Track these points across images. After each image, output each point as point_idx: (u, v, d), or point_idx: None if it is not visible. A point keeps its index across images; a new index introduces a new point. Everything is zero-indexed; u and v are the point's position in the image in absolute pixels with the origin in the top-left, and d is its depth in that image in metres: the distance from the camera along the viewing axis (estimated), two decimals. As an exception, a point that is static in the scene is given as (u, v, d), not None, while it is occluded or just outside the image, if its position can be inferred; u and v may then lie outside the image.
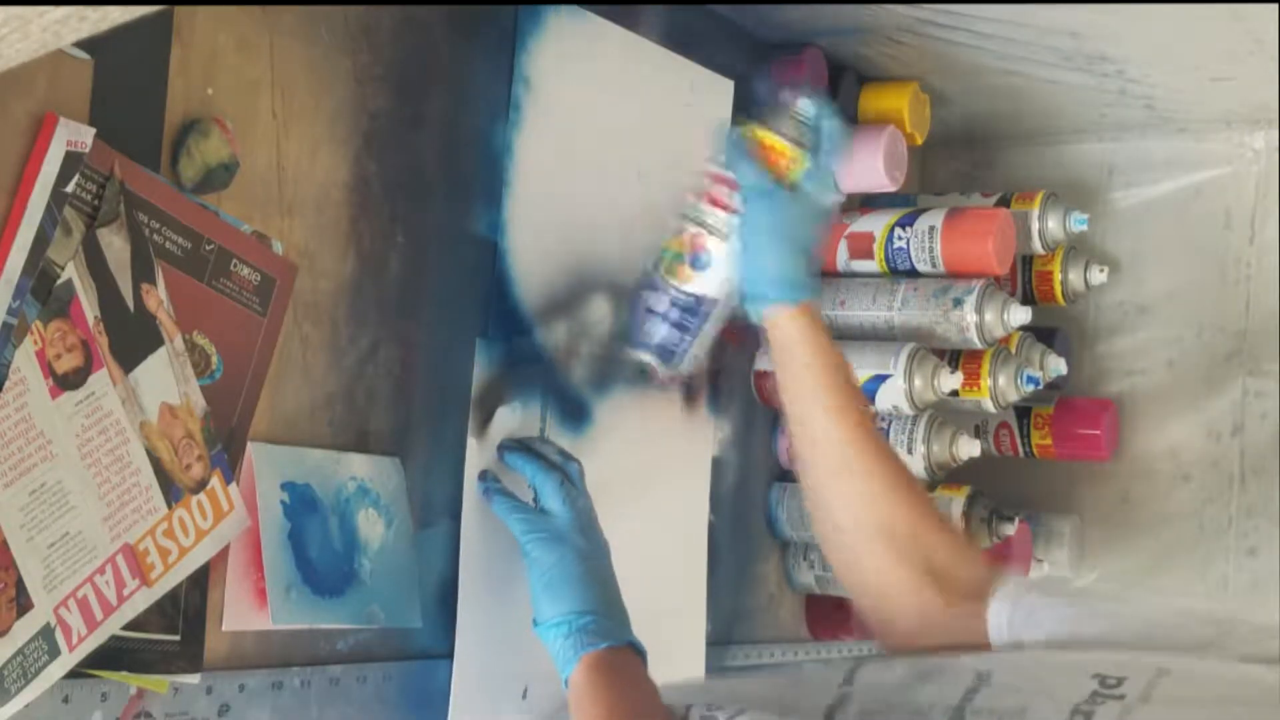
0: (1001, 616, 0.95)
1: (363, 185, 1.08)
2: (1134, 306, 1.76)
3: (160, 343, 0.92)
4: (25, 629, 0.83)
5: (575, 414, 1.26)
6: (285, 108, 1.02)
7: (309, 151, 1.04)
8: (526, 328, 1.22)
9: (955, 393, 1.49)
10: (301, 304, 1.03)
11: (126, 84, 0.91)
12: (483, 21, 1.18)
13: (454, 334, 1.16)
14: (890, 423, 1.52)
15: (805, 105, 1.16)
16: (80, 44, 0.84)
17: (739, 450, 1.49)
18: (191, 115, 0.95)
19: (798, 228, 1.14)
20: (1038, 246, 1.64)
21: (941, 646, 0.98)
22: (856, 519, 1.06)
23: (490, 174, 1.19)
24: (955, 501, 1.57)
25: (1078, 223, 1.63)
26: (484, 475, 1.16)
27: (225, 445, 0.97)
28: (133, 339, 0.90)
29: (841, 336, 1.56)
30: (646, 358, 1.24)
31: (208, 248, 0.96)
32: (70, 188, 0.86)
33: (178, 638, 0.94)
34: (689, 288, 1.19)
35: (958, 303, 1.50)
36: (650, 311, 1.21)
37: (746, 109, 1.17)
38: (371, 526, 1.07)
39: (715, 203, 1.17)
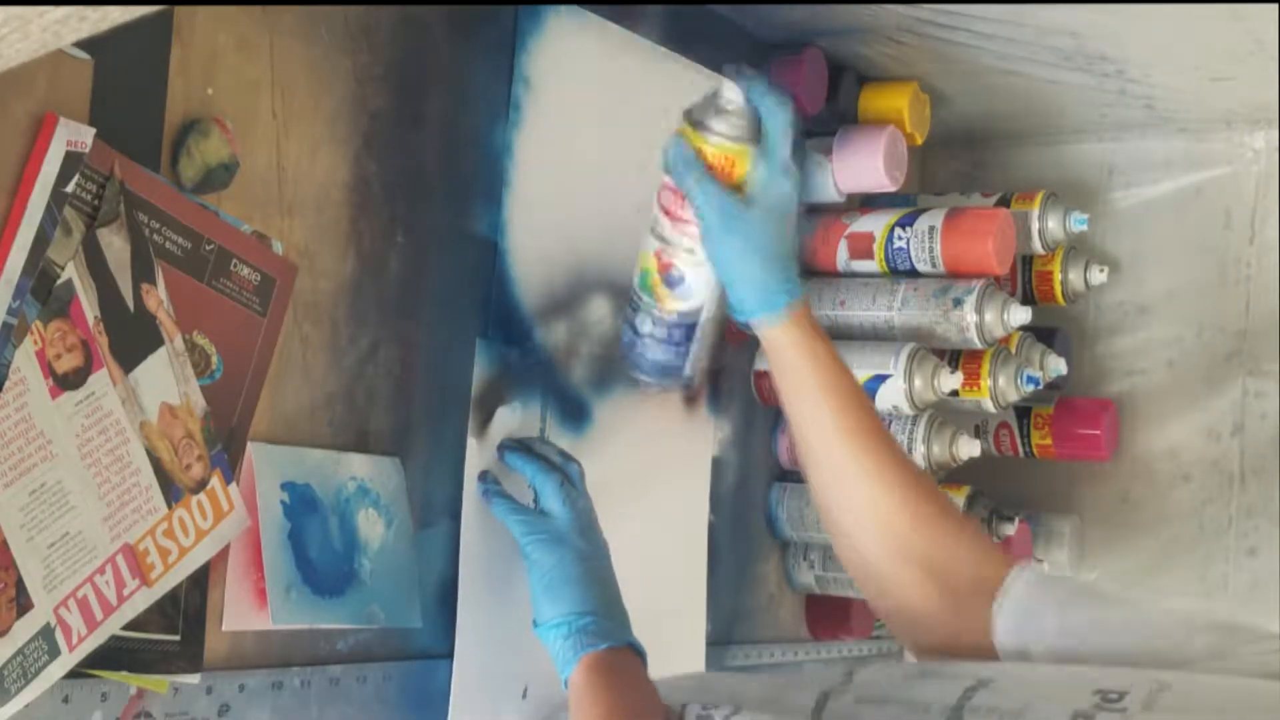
0: (1006, 618, 0.95)
1: (363, 185, 1.08)
2: (1134, 306, 1.76)
3: (160, 343, 0.92)
4: (25, 629, 0.83)
5: (575, 414, 1.26)
6: (285, 108, 1.02)
7: (309, 151, 1.04)
8: (526, 328, 1.22)
9: (955, 393, 1.49)
10: (301, 304, 1.03)
11: (126, 84, 0.91)
12: (483, 21, 1.18)
13: (454, 334, 1.16)
14: (890, 423, 1.52)
15: (729, 95, 1.07)
16: (80, 44, 0.84)
17: (739, 450, 1.49)
18: (191, 115, 0.95)
19: (758, 234, 1.07)
20: (1038, 246, 1.64)
21: (946, 644, 0.98)
22: (859, 520, 1.06)
23: (490, 174, 1.19)
24: (955, 502, 1.57)
25: (1078, 223, 1.63)
26: (484, 476, 1.16)
27: (225, 445, 0.97)
28: (133, 339, 0.90)
29: (841, 336, 1.56)
30: (650, 381, 1.20)
31: (208, 248, 0.96)
32: (70, 188, 0.86)
33: (178, 638, 0.94)
34: (670, 305, 1.13)
35: (958, 303, 1.50)
36: (641, 335, 1.16)
37: (690, 118, 1.08)
38: (371, 526, 1.07)
39: (672, 216, 1.10)
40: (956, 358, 1.55)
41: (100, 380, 0.88)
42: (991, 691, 0.83)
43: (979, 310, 1.49)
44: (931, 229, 1.54)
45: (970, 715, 0.81)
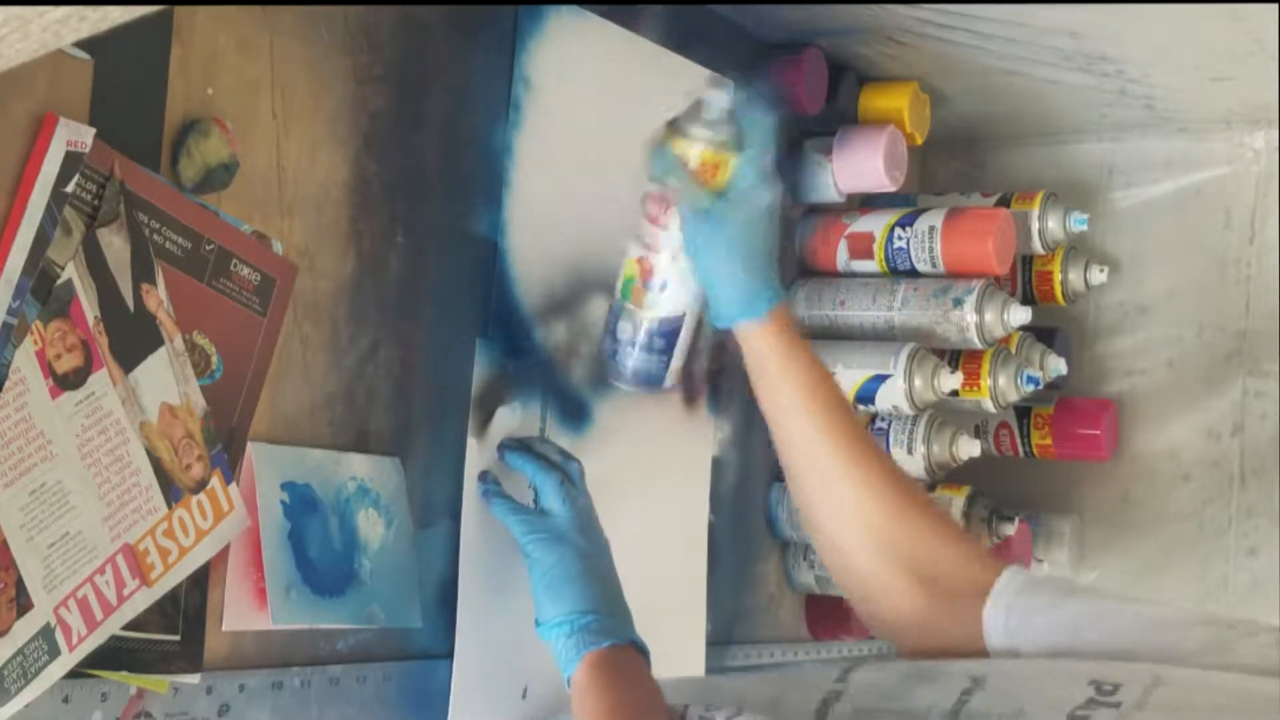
0: (997, 620, 0.95)
1: (363, 185, 1.08)
2: (1134, 306, 1.76)
3: (160, 343, 0.92)
4: (25, 629, 0.83)
5: (575, 414, 1.26)
6: (285, 108, 1.02)
7: (309, 151, 1.04)
8: (526, 328, 1.22)
9: (955, 393, 1.49)
10: (301, 304, 1.03)
11: (126, 84, 0.91)
12: (483, 21, 1.18)
13: (454, 334, 1.16)
14: (890, 423, 1.52)
15: (714, 102, 1.09)
16: (80, 44, 0.84)
17: (739, 450, 1.49)
18: (191, 115, 0.95)
19: (739, 238, 1.08)
20: (1038, 246, 1.64)
21: (936, 647, 0.98)
22: (841, 524, 1.05)
23: (490, 174, 1.19)
24: (955, 501, 1.57)
25: (1078, 223, 1.63)
26: (484, 476, 1.16)
27: (225, 445, 0.97)
28: (133, 339, 0.90)
29: (841, 336, 1.56)
30: (626, 388, 1.22)
31: (208, 248, 0.96)
32: (70, 188, 0.86)
33: (178, 638, 0.94)
34: (652, 312, 1.15)
35: (958, 303, 1.50)
36: (620, 342, 1.18)
37: (676, 125, 1.10)
38: (371, 526, 1.07)
39: (656, 222, 1.13)
40: (956, 358, 1.55)
41: (100, 380, 0.88)
42: (986, 693, 0.83)
43: (979, 310, 1.49)
44: (931, 229, 1.54)
45: (967, 718, 0.81)
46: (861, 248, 1.57)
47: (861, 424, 1.08)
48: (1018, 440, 1.71)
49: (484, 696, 1.15)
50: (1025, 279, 1.69)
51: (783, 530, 1.56)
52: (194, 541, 0.94)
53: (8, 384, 0.83)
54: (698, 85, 1.13)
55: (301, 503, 1.02)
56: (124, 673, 0.90)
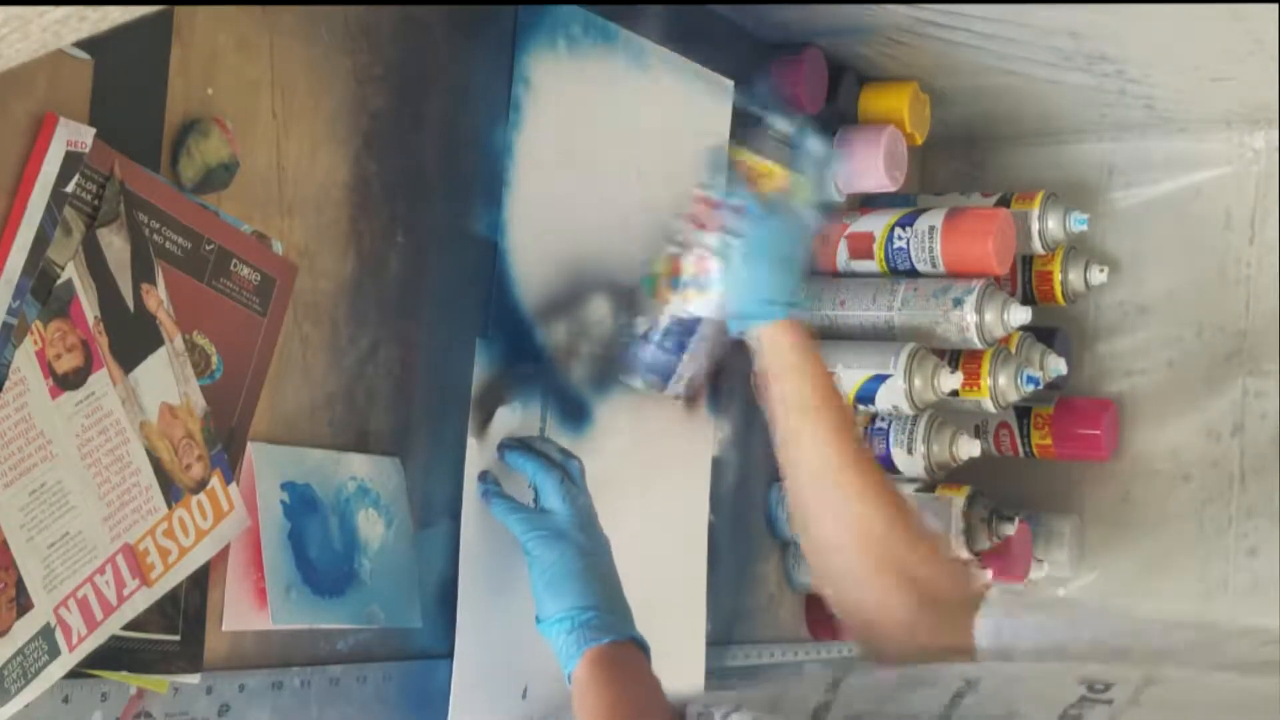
0: (990, 622, 0.96)
1: (363, 185, 1.08)
2: (1134, 306, 1.76)
3: (160, 343, 0.92)
4: (25, 629, 0.83)
5: (575, 414, 1.26)
6: (285, 108, 1.02)
7: (309, 151, 1.04)
8: (526, 328, 1.22)
9: (955, 393, 1.49)
10: (301, 304, 1.03)
11: (126, 84, 0.91)
12: (483, 21, 1.18)
13: (454, 334, 1.16)
14: (890, 423, 1.52)
15: (785, 127, 1.19)
16: (80, 44, 0.84)
17: (739, 450, 1.49)
18: (191, 115, 0.95)
19: (785, 246, 1.16)
20: (1038, 246, 1.64)
21: (923, 652, 0.98)
22: (840, 533, 1.07)
23: (490, 174, 1.19)
24: (955, 501, 1.57)
25: (1078, 223, 1.63)
26: (484, 476, 1.16)
27: (225, 445, 0.97)
28: (133, 339, 0.90)
29: (841, 336, 1.56)
30: (637, 383, 1.26)
31: (208, 248, 0.96)
32: (70, 188, 0.86)
33: (178, 638, 0.94)
34: (680, 310, 1.20)
35: (958, 303, 1.50)
36: (639, 336, 1.23)
37: (736, 133, 1.20)
38: (371, 526, 1.07)
39: (703, 225, 1.18)
40: (956, 358, 1.55)
41: (100, 380, 0.88)
42: (979, 695, 0.83)
43: (979, 310, 1.49)
44: (931, 229, 1.54)
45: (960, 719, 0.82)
46: (861, 248, 1.57)
47: (862, 438, 1.12)
48: (1018, 440, 1.71)
49: (484, 696, 1.15)
50: (1025, 279, 1.69)
51: (783, 530, 1.56)
52: (194, 541, 0.94)
53: (8, 384, 0.83)
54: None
55: (301, 503, 1.02)
56: (124, 673, 0.90)
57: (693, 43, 1.39)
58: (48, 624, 0.84)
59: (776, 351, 1.12)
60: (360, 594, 1.05)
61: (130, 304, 0.90)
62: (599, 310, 1.27)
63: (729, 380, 1.47)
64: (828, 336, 1.56)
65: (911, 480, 1.55)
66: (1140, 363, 1.75)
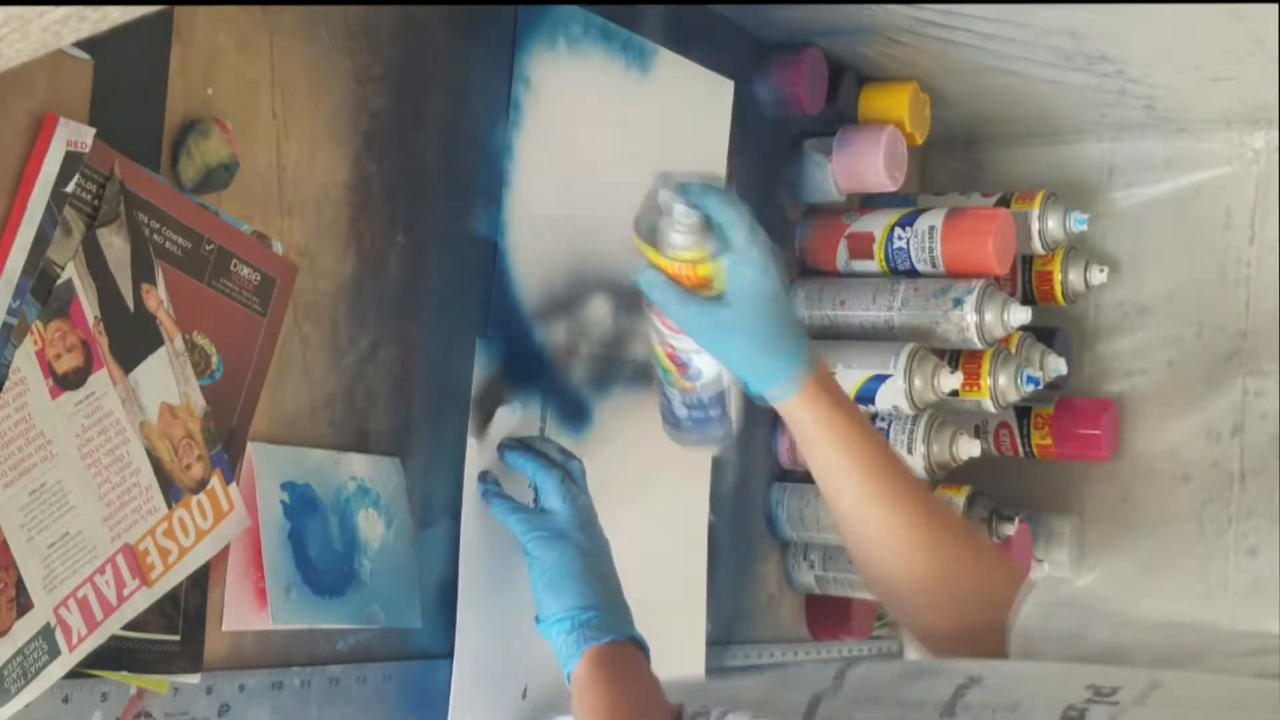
0: (1016, 625, 0.97)
1: (363, 185, 1.08)
2: (1134, 306, 1.76)
3: (160, 343, 0.92)
4: (25, 629, 0.83)
5: (575, 414, 1.26)
6: (285, 108, 1.02)
7: (309, 151, 1.04)
8: (526, 328, 1.22)
9: (955, 393, 1.49)
10: (301, 304, 1.03)
11: (126, 84, 0.91)
12: (483, 21, 1.18)
13: (454, 334, 1.16)
14: (890, 423, 1.52)
15: (675, 212, 1.04)
16: (80, 44, 0.84)
17: (739, 450, 1.49)
18: (191, 115, 0.95)
19: (743, 326, 1.06)
20: (1038, 246, 1.64)
21: (962, 651, 0.99)
22: (884, 567, 1.07)
23: (490, 174, 1.19)
24: (955, 501, 1.58)
25: (1078, 223, 1.63)
26: (484, 476, 1.16)
27: (225, 445, 0.97)
28: (133, 339, 0.90)
29: (841, 336, 1.56)
30: (695, 444, 1.22)
31: (208, 248, 0.96)
32: (70, 188, 0.86)
33: (178, 638, 0.94)
34: (695, 390, 1.15)
35: (958, 303, 1.50)
36: (679, 416, 1.18)
37: (644, 234, 1.07)
38: (371, 526, 1.07)
39: (667, 326, 1.10)
40: (956, 358, 1.55)
41: (100, 380, 0.88)
42: (983, 688, 0.84)
43: (979, 310, 1.49)
44: (931, 229, 1.54)
45: (963, 712, 0.82)
46: (861, 248, 1.57)
47: (903, 467, 1.08)
48: (1018, 440, 1.71)
49: (484, 696, 1.15)
50: (1025, 279, 1.69)
51: (783, 530, 1.56)
52: (194, 541, 0.94)
53: (8, 384, 0.83)
54: (653, 191, 1.07)
55: (301, 503, 1.02)
56: (124, 673, 0.90)
57: (693, 43, 1.39)
58: (48, 624, 0.84)
59: (795, 416, 1.07)
60: (360, 594, 1.05)
61: (130, 304, 0.90)
62: (599, 310, 1.27)
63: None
64: (828, 336, 1.56)
65: (911, 480, 1.55)
66: (1140, 363, 1.75)
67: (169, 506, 0.92)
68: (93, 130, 0.87)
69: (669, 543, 1.38)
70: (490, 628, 1.16)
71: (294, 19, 1.02)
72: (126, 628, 0.90)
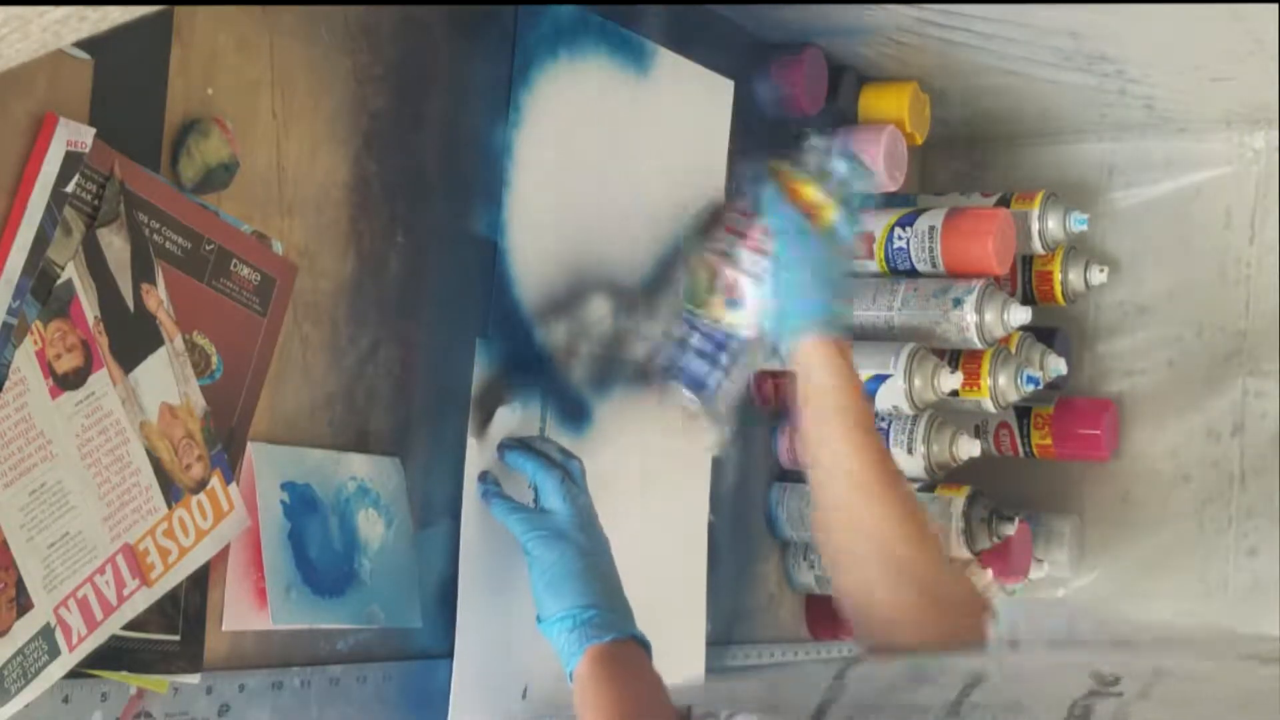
0: (1003, 626, 0.97)
1: (363, 185, 1.08)
2: (1134, 306, 1.75)
3: (160, 343, 0.92)
4: (25, 629, 0.83)
5: (575, 414, 1.26)
6: (285, 108, 1.02)
7: (309, 151, 1.04)
8: (526, 328, 1.22)
9: (955, 393, 1.49)
10: (301, 304, 1.03)
11: (126, 84, 0.91)
12: (483, 21, 1.18)
13: (454, 334, 1.16)
14: (890, 423, 1.52)
15: (832, 155, 1.20)
16: (80, 44, 0.84)
17: (739, 450, 1.49)
18: (191, 115, 0.95)
19: (829, 268, 1.17)
20: (1038, 246, 1.64)
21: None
22: (858, 539, 1.08)
23: (490, 174, 1.19)
24: (955, 501, 1.57)
25: (1078, 223, 1.63)
26: (484, 476, 1.16)
27: (225, 445, 0.97)
28: (133, 339, 0.90)
29: (841, 336, 1.56)
30: (688, 397, 1.25)
31: (208, 248, 0.96)
32: (70, 188, 0.86)
33: (178, 638, 0.94)
34: (722, 324, 1.21)
35: (958, 303, 1.50)
36: (689, 350, 1.23)
37: (780, 154, 1.21)
38: (371, 526, 1.07)
39: (749, 244, 1.18)
40: (956, 358, 1.54)
41: (100, 380, 0.88)
42: (987, 688, 0.84)
43: (979, 310, 1.49)
44: (931, 229, 1.54)
45: (969, 712, 0.82)
46: (861, 248, 1.57)
47: (889, 455, 1.14)
48: (1018, 440, 1.71)
49: (484, 696, 1.15)
50: (1025, 279, 1.69)
51: (783, 530, 1.56)
52: (194, 541, 0.94)
53: (8, 384, 0.83)
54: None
55: (301, 503, 1.02)
56: (124, 673, 0.90)
57: (693, 43, 1.39)
58: (48, 624, 0.84)
59: (814, 361, 1.12)
60: (360, 594, 1.05)
61: (130, 304, 0.90)
62: (599, 310, 1.27)
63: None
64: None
65: (912, 480, 1.55)
66: (1140, 363, 1.75)
67: (169, 506, 0.92)
68: (93, 130, 0.87)
69: (669, 543, 1.38)
70: (490, 628, 1.16)
71: (294, 19, 1.02)
72: (126, 628, 0.90)
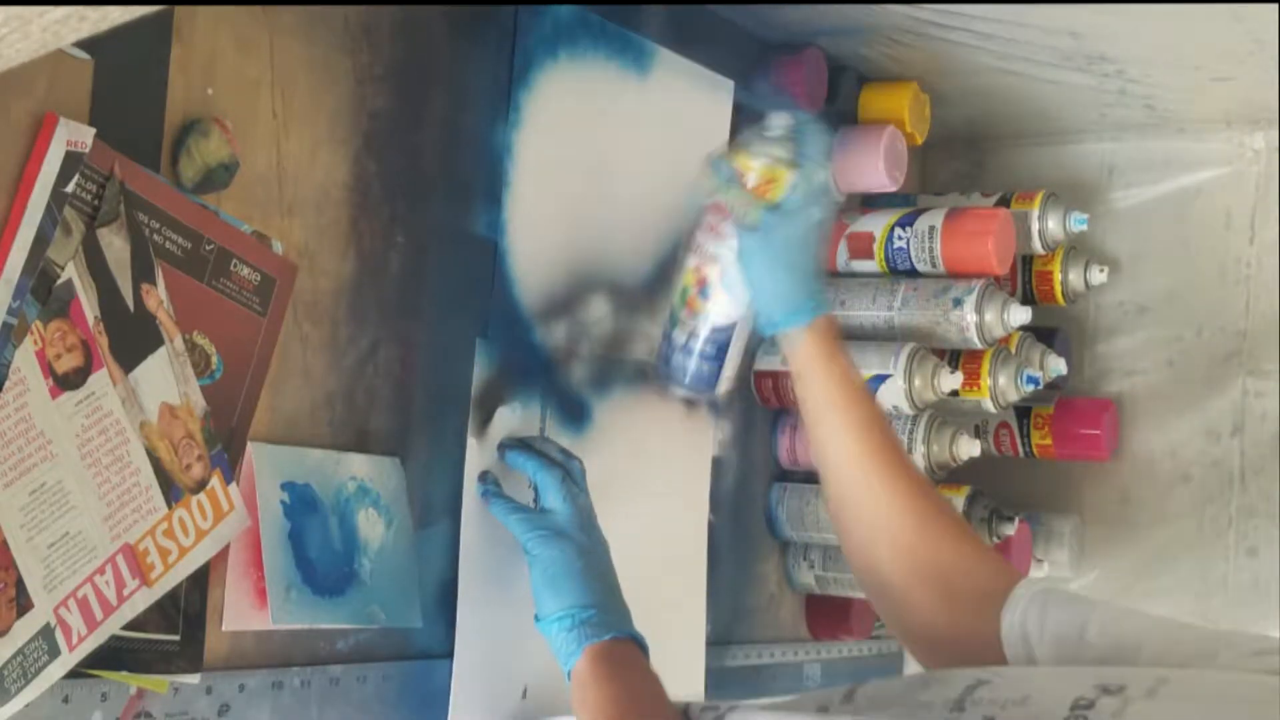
0: (1015, 625, 0.96)
1: (363, 185, 1.08)
2: (1134, 306, 1.76)
3: (160, 343, 0.92)
4: (25, 629, 0.83)
5: (575, 414, 1.26)
6: (285, 108, 1.02)
7: (309, 151, 1.04)
8: (526, 328, 1.22)
9: (955, 393, 1.49)
10: (301, 304, 1.03)
11: (126, 84, 0.91)
12: (483, 21, 1.18)
13: (454, 334, 1.16)
14: (890, 423, 1.52)
15: (776, 122, 1.16)
16: (80, 44, 0.84)
17: (739, 450, 1.49)
18: (191, 115, 0.95)
19: (790, 250, 1.13)
20: (1038, 246, 1.64)
21: (955, 656, 0.98)
22: (865, 529, 1.07)
23: (490, 174, 1.19)
24: (955, 501, 1.57)
25: (1078, 223, 1.63)
26: (484, 476, 1.16)
27: (225, 445, 0.97)
28: (133, 339, 0.90)
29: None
30: (683, 394, 1.27)
31: (208, 248, 0.96)
32: (70, 188, 0.86)
33: (178, 638, 0.94)
34: (706, 318, 1.21)
35: (958, 303, 1.50)
36: (674, 347, 1.23)
37: (734, 134, 1.19)
38: (371, 526, 1.07)
39: (714, 231, 1.18)
40: (956, 358, 1.55)
41: (100, 380, 0.88)
42: (992, 687, 0.84)
43: (979, 310, 1.49)
44: (931, 229, 1.54)
45: (973, 707, 0.82)
46: (861, 248, 1.57)
47: (895, 435, 1.12)
48: (1018, 440, 1.71)
49: (484, 696, 1.15)
50: (1025, 279, 1.69)
51: (783, 530, 1.56)
52: (194, 541, 0.94)
53: (8, 384, 0.83)
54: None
55: (301, 503, 1.02)
56: (124, 673, 0.90)
57: (693, 43, 1.39)
58: (48, 624, 0.84)
59: (801, 356, 1.12)
60: (360, 594, 1.05)
61: (130, 304, 0.90)
62: (599, 310, 1.27)
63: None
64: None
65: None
66: (1140, 363, 1.75)
67: (169, 506, 0.92)
68: (93, 130, 0.87)
69: (669, 543, 1.38)
70: (490, 628, 1.16)
71: (294, 19, 1.02)
72: (126, 628, 0.90)
